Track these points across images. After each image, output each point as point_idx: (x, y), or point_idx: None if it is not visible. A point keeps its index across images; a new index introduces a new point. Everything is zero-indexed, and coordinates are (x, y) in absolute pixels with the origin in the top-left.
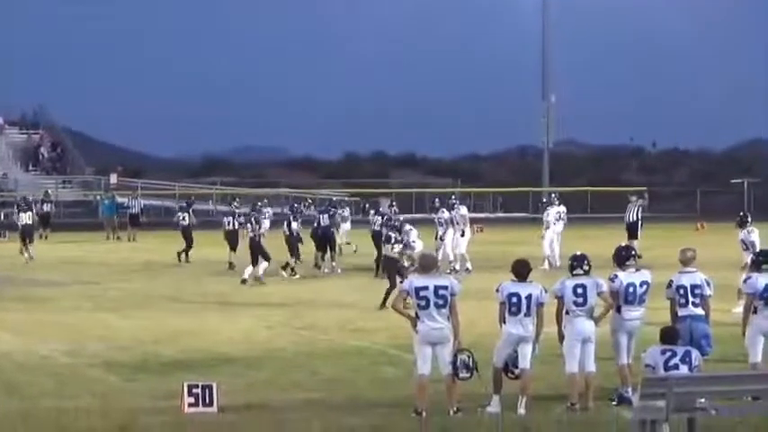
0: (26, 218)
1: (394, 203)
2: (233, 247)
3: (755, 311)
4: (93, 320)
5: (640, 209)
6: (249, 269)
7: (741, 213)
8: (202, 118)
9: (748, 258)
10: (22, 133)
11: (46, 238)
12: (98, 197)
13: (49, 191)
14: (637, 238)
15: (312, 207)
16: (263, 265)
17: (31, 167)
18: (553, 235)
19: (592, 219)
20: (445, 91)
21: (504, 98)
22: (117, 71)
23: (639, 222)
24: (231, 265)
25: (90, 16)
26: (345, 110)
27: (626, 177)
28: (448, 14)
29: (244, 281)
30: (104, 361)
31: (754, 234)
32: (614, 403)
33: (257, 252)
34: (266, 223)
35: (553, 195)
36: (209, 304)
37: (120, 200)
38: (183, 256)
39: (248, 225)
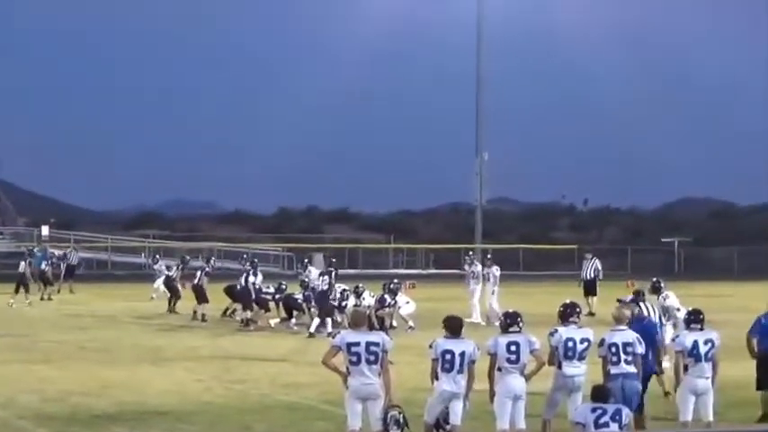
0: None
1: (334, 264)
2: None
3: (686, 369)
4: (24, 372)
5: (597, 266)
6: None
7: (654, 279)
8: (134, 171)
9: (668, 324)
10: None
11: None
12: (31, 249)
13: None
14: (595, 294)
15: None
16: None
17: None
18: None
19: (523, 276)
20: (379, 147)
21: (436, 155)
22: (46, 122)
23: (596, 279)
24: (204, 317)
25: (17, 67)
26: (278, 164)
27: (557, 235)
28: (381, 72)
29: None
30: (35, 413)
31: (670, 299)
32: None
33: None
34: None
35: (490, 255)
36: (140, 357)
37: (57, 252)
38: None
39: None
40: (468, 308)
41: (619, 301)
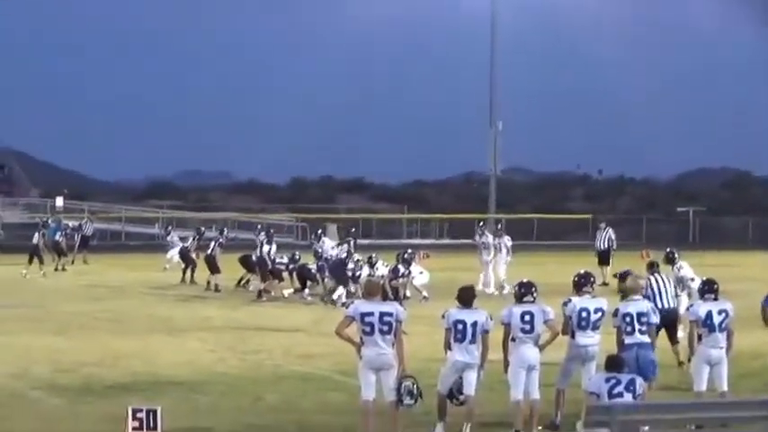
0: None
1: (352, 233)
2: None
3: (700, 339)
4: (38, 343)
5: (611, 236)
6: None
7: (668, 250)
8: (146, 141)
9: (683, 294)
10: None
11: None
12: (45, 220)
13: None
14: (608, 264)
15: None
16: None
17: None
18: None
19: (537, 246)
20: (392, 116)
21: (450, 124)
22: (59, 91)
23: (611, 249)
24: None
25: (31, 36)
26: (292, 134)
27: (571, 205)
28: (396, 41)
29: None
30: (48, 384)
31: (684, 270)
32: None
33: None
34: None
35: (499, 225)
36: (153, 327)
37: (72, 223)
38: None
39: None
40: (478, 278)
41: (615, 276)
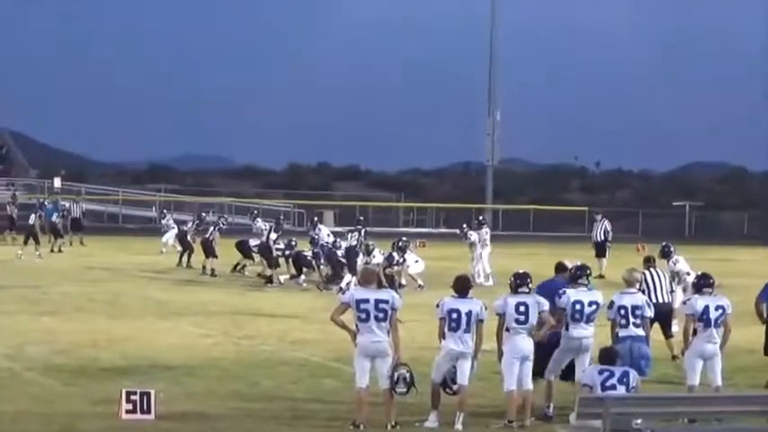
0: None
1: (362, 222)
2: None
3: (695, 333)
4: (34, 324)
5: (606, 228)
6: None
7: (664, 244)
8: (146, 124)
9: (678, 289)
10: None
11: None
12: (42, 201)
13: (17, 194)
14: (604, 256)
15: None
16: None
17: None
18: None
19: (533, 237)
20: (390, 105)
21: (449, 114)
22: (60, 75)
23: (607, 241)
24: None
25: (31, 18)
26: (290, 119)
27: (569, 196)
28: (395, 30)
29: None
30: (44, 365)
31: (680, 264)
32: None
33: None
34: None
35: (482, 217)
36: (149, 311)
37: (67, 204)
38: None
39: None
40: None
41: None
